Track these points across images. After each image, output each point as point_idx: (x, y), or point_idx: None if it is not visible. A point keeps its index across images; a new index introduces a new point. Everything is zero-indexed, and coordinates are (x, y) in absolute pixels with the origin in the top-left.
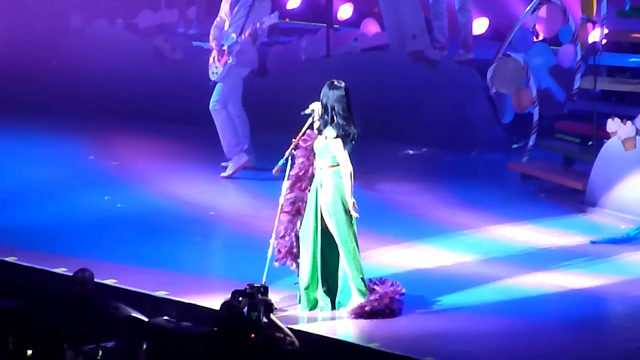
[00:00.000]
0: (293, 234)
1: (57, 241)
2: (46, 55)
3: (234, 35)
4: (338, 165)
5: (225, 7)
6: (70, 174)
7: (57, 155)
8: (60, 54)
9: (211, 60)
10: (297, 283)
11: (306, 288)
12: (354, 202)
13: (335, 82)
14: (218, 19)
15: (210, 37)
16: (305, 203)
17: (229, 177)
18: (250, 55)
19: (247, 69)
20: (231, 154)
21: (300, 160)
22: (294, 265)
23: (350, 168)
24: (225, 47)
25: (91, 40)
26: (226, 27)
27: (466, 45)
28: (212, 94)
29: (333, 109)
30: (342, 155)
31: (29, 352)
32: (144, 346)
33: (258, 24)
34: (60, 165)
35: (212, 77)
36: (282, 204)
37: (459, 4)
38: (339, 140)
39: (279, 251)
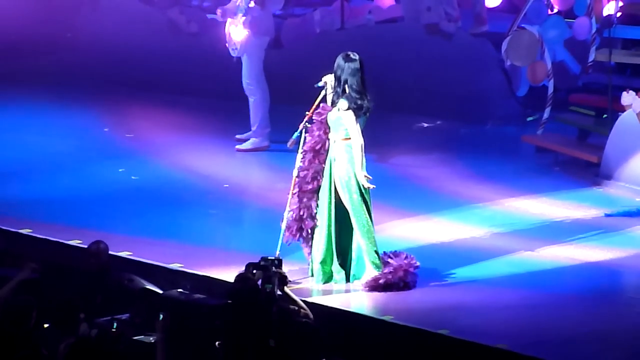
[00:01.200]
0: (308, 211)
1: (72, 213)
2: (61, 28)
3: (241, 3)
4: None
5: None
6: (85, 146)
7: (71, 127)
8: (75, 27)
9: (228, 36)
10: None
11: (322, 262)
12: (365, 174)
13: (351, 55)
14: None
15: (220, 12)
16: None
17: (244, 151)
18: (265, 23)
19: (266, 37)
20: (257, 134)
21: (317, 133)
22: (304, 245)
23: (361, 141)
24: (238, 20)
25: (106, 12)
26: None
27: (480, 17)
28: (240, 71)
29: (346, 81)
30: (354, 127)
31: (46, 325)
32: (161, 317)
33: None
34: (75, 137)
35: (233, 54)
36: (300, 179)
37: None
38: (351, 113)
39: (289, 228)
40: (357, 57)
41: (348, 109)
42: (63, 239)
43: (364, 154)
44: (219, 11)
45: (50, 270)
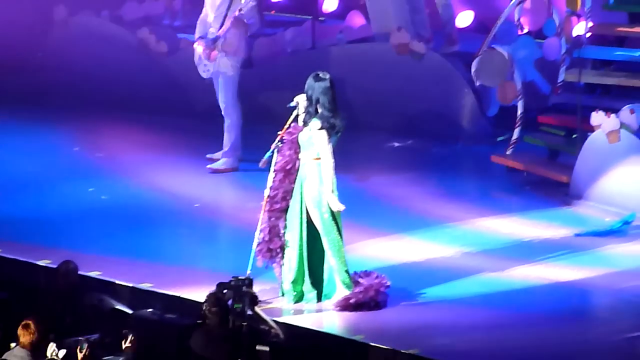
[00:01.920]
0: (275, 230)
1: (42, 233)
2: (31, 47)
3: (212, 29)
4: None
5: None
6: (55, 165)
7: (42, 147)
8: (45, 46)
9: (196, 58)
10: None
11: (293, 281)
12: (334, 198)
13: (320, 74)
14: (203, 13)
15: (196, 33)
16: None
17: (216, 171)
18: (237, 44)
19: (238, 58)
20: (228, 155)
21: (287, 153)
22: (275, 265)
23: (331, 161)
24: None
25: (76, 32)
26: (210, 19)
27: (450, 38)
28: (212, 91)
29: (318, 101)
30: (325, 147)
31: (12, 344)
32: (129, 338)
33: (237, 12)
34: (45, 156)
35: (204, 75)
36: (269, 198)
37: None
38: (324, 132)
39: (261, 250)
40: (327, 76)
41: (321, 128)
42: (32, 259)
43: (334, 174)
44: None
45: (19, 291)
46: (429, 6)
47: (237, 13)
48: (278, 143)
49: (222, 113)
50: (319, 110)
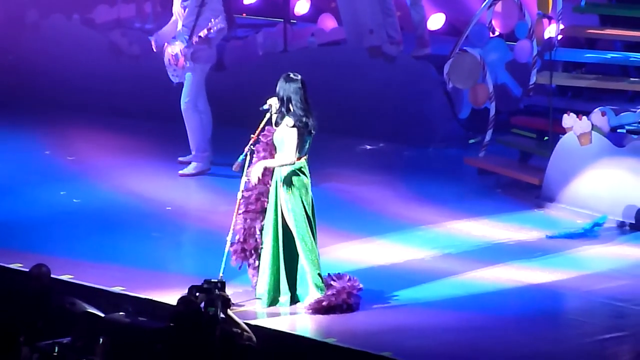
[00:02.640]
0: (250, 232)
1: (13, 236)
2: (1, 50)
3: (179, 42)
4: (298, 159)
5: (176, 5)
6: (26, 169)
7: (12, 150)
8: (16, 49)
9: (166, 61)
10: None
11: (267, 284)
12: (259, 173)
13: (292, 75)
14: (172, 18)
15: (154, 41)
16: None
17: (187, 175)
18: (207, 52)
19: (207, 64)
20: (197, 158)
21: (262, 154)
22: (249, 267)
23: (291, 160)
24: (177, 50)
25: (47, 35)
26: (179, 26)
27: (422, 40)
28: (180, 93)
29: (290, 100)
30: (292, 144)
31: None
32: (101, 341)
33: (205, 30)
34: (16, 160)
35: (174, 80)
36: (244, 199)
37: (410, 1)
38: (295, 130)
39: (235, 250)
40: (298, 77)
41: (294, 125)
42: (4, 263)
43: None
44: (153, 41)
45: None
46: (400, 9)
47: (206, 31)
48: (251, 146)
49: (182, 113)
50: (291, 110)
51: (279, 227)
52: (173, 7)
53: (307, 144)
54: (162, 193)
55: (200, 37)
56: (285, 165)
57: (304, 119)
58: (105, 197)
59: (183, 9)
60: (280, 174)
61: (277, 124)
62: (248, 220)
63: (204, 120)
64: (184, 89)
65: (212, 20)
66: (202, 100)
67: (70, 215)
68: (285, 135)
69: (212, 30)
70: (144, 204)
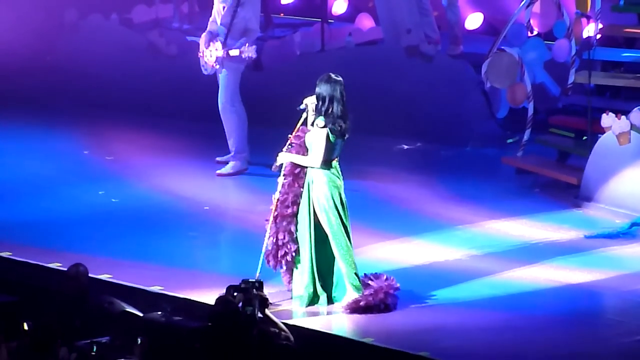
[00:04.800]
0: (290, 236)
1: (52, 236)
2: (40, 51)
3: (218, 42)
4: (331, 160)
5: (217, 4)
6: (65, 168)
7: (51, 150)
8: (55, 49)
9: (200, 52)
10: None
11: (305, 284)
12: (283, 162)
13: (333, 76)
14: (212, 17)
15: (203, 39)
16: None
17: (225, 175)
18: (239, 57)
19: (242, 64)
20: (235, 158)
21: None
22: (284, 269)
23: (317, 163)
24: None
25: (85, 35)
26: (218, 22)
27: (455, 39)
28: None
29: (332, 101)
30: (320, 147)
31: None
32: (139, 341)
33: (237, 51)
34: (55, 160)
35: (204, 72)
36: (280, 203)
37: (447, 1)
38: (325, 132)
39: (270, 253)
40: (339, 78)
41: (324, 126)
42: (42, 262)
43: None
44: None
45: (30, 293)
46: (436, 9)
47: (238, 52)
48: (289, 146)
49: (220, 112)
50: (329, 111)
51: (312, 228)
52: (214, 6)
53: (339, 147)
54: (199, 193)
55: (228, 54)
56: (311, 167)
57: (338, 122)
58: (143, 197)
59: (222, 7)
60: (312, 175)
61: (312, 124)
62: (285, 224)
63: (240, 120)
64: (219, 89)
65: (247, 45)
66: (237, 100)
67: (109, 214)
68: (316, 137)
69: (242, 55)
70: (182, 204)
